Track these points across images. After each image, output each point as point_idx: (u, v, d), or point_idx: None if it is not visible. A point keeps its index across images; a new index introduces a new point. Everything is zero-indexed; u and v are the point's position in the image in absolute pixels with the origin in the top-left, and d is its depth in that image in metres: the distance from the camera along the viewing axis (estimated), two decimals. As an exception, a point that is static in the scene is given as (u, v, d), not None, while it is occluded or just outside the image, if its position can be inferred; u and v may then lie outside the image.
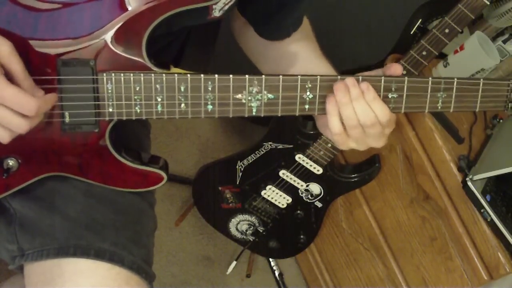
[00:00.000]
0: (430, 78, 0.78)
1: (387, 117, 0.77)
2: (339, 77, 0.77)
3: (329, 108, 0.77)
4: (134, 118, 0.76)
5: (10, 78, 0.67)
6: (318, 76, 0.76)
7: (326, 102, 0.78)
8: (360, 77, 0.77)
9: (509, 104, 0.81)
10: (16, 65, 0.67)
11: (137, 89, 0.74)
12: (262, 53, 0.99)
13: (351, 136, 0.80)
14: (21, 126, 0.68)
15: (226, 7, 0.81)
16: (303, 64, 0.93)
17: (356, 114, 0.77)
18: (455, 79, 0.79)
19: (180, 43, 0.94)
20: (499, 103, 0.82)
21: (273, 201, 1.58)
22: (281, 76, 0.76)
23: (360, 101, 0.76)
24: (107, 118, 0.76)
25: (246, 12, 0.94)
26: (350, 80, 0.77)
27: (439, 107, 0.80)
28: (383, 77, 0.78)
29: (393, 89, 0.78)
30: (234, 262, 1.79)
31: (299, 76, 0.76)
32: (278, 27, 0.94)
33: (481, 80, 0.80)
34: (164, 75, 0.74)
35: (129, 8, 0.72)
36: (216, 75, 0.74)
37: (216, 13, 0.80)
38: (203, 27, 0.91)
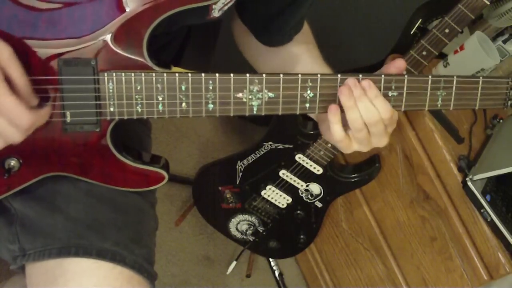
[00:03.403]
0: (430, 76, 0.78)
1: (389, 113, 0.77)
2: (339, 75, 0.77)
3: (330, 117, 0.77)
4: (135, 117, 0.76)
5: (8, 83, 0.66)
6: (319, 75, 0.77)
7: (328, 111, 0.77)
8: (360, 76, 0.77)
9: (509, 101, 0.82)
10: (14, 71, 0.66)
11: (138, 88, 0.74)
12: (264, 60, 0.98)
13: (355, 139, 0.79)
14: (14, 137, 0.68)
15: (225, 7, 0.81)
16: (308, 66, 0.93)
17: (361, 114, 0.76)
18: (455, 77, 0.79)
19: (179, 42, 0.94)
20: (498, 100, 0.82)
21: (273, 201, 1.58)
22: (281, 75, 0.76)
23: (363, 100, 0.76)
24: (108, 118, 0.76)
25: (246, 20, 0.94)
26: (351, 81, 0.76)
27: (439, 105, 0.80)
28: (383, 76, 0.78)
29: (393, 87, 0.78)
30: (234, 262, 1.79)
31: (299, 75, 0.76)
32: (278, 33, 0.93)
33: (481, 78, 0.80)
34: (165, 74, 0.74)
35: (127, 9, 0.72)
36: (217, 74, 0.75)
37: (216, 13, 0.81)
38: (203, 26, 0.91)
